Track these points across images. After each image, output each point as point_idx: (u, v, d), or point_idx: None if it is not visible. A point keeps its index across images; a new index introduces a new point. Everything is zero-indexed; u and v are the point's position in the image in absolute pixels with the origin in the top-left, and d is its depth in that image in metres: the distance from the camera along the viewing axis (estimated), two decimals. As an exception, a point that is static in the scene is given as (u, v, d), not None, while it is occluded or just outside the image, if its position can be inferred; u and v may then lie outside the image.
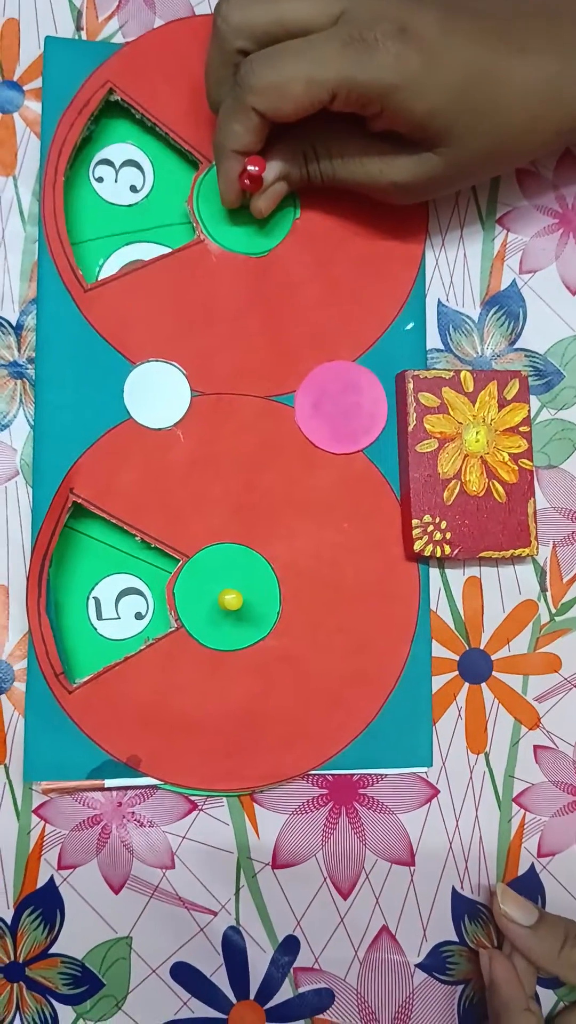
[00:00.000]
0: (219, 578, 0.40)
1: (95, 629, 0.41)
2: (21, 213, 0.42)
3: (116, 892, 0.40)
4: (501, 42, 0.35)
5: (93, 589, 0.41)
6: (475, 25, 0.35)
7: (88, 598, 0.41)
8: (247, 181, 0.38)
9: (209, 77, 0.38)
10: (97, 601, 0.41)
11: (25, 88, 0.42)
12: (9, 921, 0.39)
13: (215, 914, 0.40)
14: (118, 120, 0.42)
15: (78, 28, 0.43)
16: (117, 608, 0.41)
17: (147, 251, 0.42)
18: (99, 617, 0.41)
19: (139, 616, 0.41)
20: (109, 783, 0.39)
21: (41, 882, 0.39)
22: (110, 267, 0.42)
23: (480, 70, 0.35)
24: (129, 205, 0.42)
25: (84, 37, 0.43)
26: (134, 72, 0.41)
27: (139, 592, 0.41)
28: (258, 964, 0.40)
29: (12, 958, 0.39)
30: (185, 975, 0.40)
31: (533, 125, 0.37)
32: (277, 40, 0.34)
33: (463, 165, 0.38)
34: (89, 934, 0.40)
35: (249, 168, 0.37)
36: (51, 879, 0.39)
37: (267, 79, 0.34)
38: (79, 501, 0.39)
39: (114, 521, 0.40)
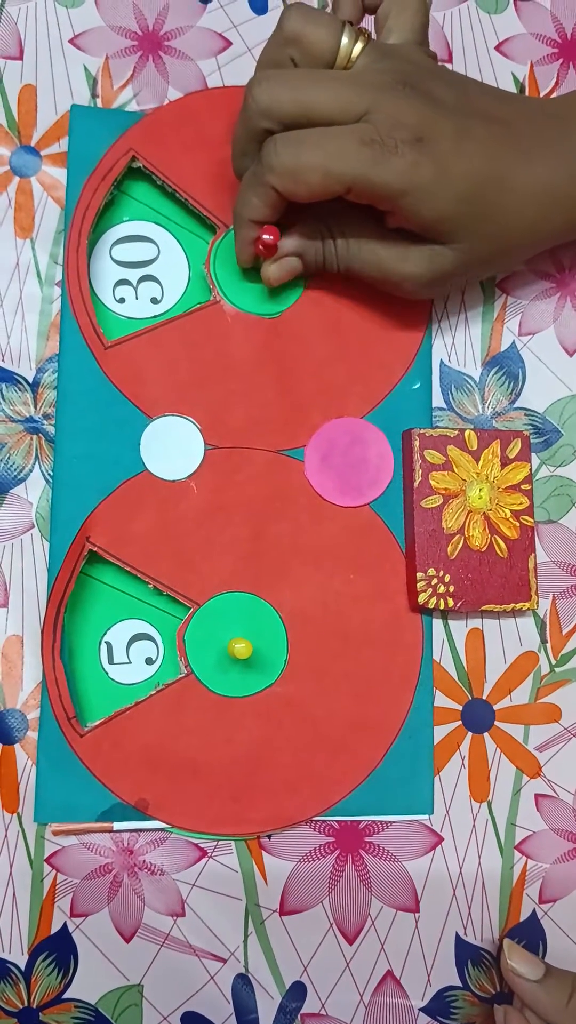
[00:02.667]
0: (228, 626, 0.41)
1: (106, 673, 0.41)
2: (39, 275, 0.43)
3: (127, 941, 0.40)
4: (509, 150, 0.37)
5: (105, 634, 0.42)
6: (486, 132, 0.37)
7: (100, 642, 0.42)
8: (261, 248, 0.40)
9: (235, 148, 0.40)
10: (109, 646, 0.42)
11: (43, 153, 0.44)
12: (23, 967, 0.40)
13: (224, 961, 0.40)
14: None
15: (93, 95, 0.44)
16: (128, 653, 0.42)
17: (156, 233, 0.44)
18: (111, 661, 0.42)
19: (149, 661, 0.42)
20: (117, 826, 0.40)
21: (55, 928, 0.40)
22: (122, 230, 0.44)
23: (486, 179, 0.37)
24: (174, 199, 0.44)
25: (100, 104, 0.44)
26: (155, 140, 0.43)
27: (150, 638, 0.42)
28: (266, 1011, 0.41)
29: (26, 1003, 0.40)
30: (196, 1024, 0.40)
31: (534, 228, 0.39)
32: (301, 126, 0.36)
33: (471, 262, 0.40)
34: (102, 980, 0.40)
35: (264, 237, 0.39)
36: (64, 925, 0.40)
37: (286, 163, 0.36)
38: (95, 549, 0.40)
39: (128, 569, 0.41)
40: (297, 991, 0.41)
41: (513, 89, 0.48)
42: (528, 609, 0.43)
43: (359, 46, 0.37)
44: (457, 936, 0.42)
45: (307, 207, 0.38)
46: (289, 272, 0.41)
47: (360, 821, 0.42)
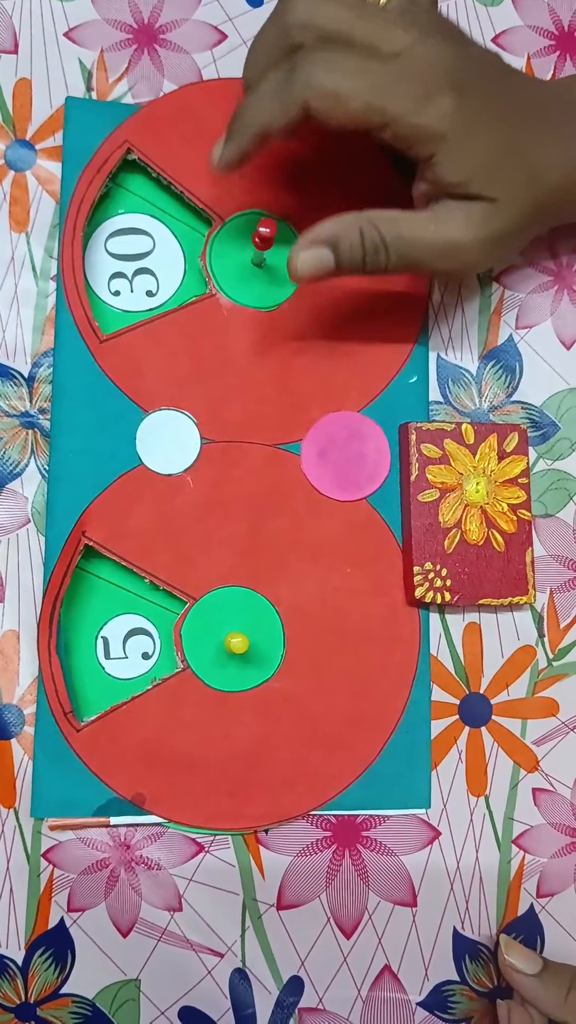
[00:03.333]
0: (225, 620, 0.41)
1: (103, 668, 0.41)
2: (34, 269, 0.43)
3: (124, 935, 0.40)
4: (524, 126, 0.38)
5: (102, 629, 0.42)
6: (501, 109, 0.37)
7: (97, 637, 0.42)
8: (257, 240, 0.39)
9: (255, 56, 0.37)
10: (105, 640, 0.42)
11: (37, 147, 0.44)
12: (20, 962, 0.40)
13: (222, 956, 0.40)
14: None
15: (88, 88, 0.44)
16: (125, 648, 0.42)
17: (151, 225, 0.44)
18: (107, 656, 0.42)
19: (146, 656, 0.42)
20: (114, 820, 0.40)
21: (52, 923, 0.40)
22: (117, 223, 0.44)
23: (513, 138, 0.37)
24: (170, 190, 0.43)
25: (95, 97, 0.44)
26: (151, 132, 0.43)
27: (147, 632, 0.42)
28: (264, 1006, 0.41)
29: (24, 998, 0.40)
30: (193, 1019, 0.40)
31: (565, 188, 0.39)
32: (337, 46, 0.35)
33: (521, 216, 0.38)
34: (99, 975, 0.40)
35: (261, 230, 0.39)
36: (61, 920, 0.40)
37: (328, 84, 0.34)
38: (91, 544, 0.40)
39: (124, 563, 0.41)
40: (294, 985, 0.41)
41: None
42: (525, 603, 0.42)
43: None
44: (455, 930, 0.42)
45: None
46: (320, 265, 0.38)
47: (357, 815, 0.42)
